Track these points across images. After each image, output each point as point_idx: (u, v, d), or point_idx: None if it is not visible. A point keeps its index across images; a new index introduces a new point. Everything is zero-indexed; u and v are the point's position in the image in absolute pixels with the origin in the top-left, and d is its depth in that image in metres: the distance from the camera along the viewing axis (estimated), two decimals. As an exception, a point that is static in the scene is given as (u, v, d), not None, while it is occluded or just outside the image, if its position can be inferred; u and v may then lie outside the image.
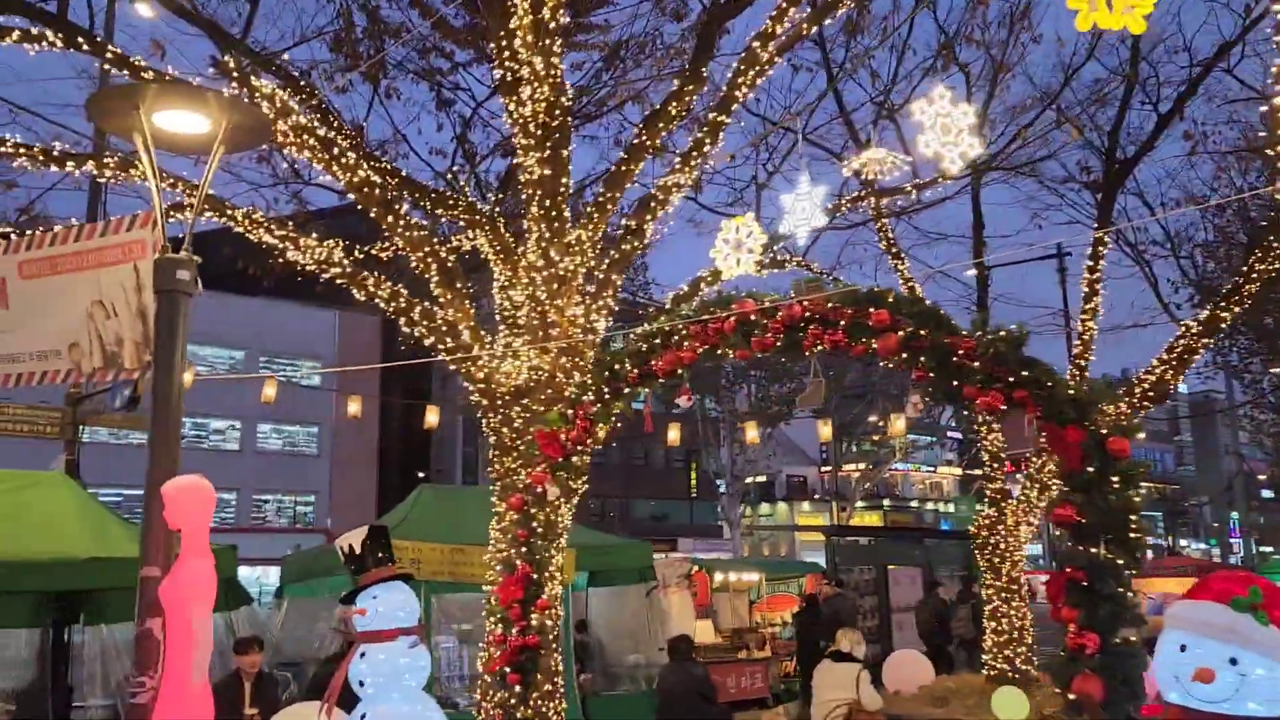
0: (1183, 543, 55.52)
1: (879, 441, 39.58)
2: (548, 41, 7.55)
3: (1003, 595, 11.57)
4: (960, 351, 4.60)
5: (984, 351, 4.79)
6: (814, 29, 8.55)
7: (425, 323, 7.92)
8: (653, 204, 8.01)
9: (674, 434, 11.89)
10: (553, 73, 7.60)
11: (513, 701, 6.57)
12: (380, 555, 7.34)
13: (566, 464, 6.64)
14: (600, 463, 43.34)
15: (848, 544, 18.34)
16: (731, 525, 38.46)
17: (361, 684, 7.08)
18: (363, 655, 6.96)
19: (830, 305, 5.15)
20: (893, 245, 12.78)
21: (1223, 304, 10.07)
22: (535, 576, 6.60)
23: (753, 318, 5.43)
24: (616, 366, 6.30)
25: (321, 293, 10.88)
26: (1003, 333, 4.93)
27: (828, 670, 9.69)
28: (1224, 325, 10.46)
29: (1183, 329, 10.60)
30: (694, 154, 7.90)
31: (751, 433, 17.48)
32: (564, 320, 7.96)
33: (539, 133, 7.60)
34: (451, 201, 8.47)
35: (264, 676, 8.59)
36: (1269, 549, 57.53)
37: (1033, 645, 11.70)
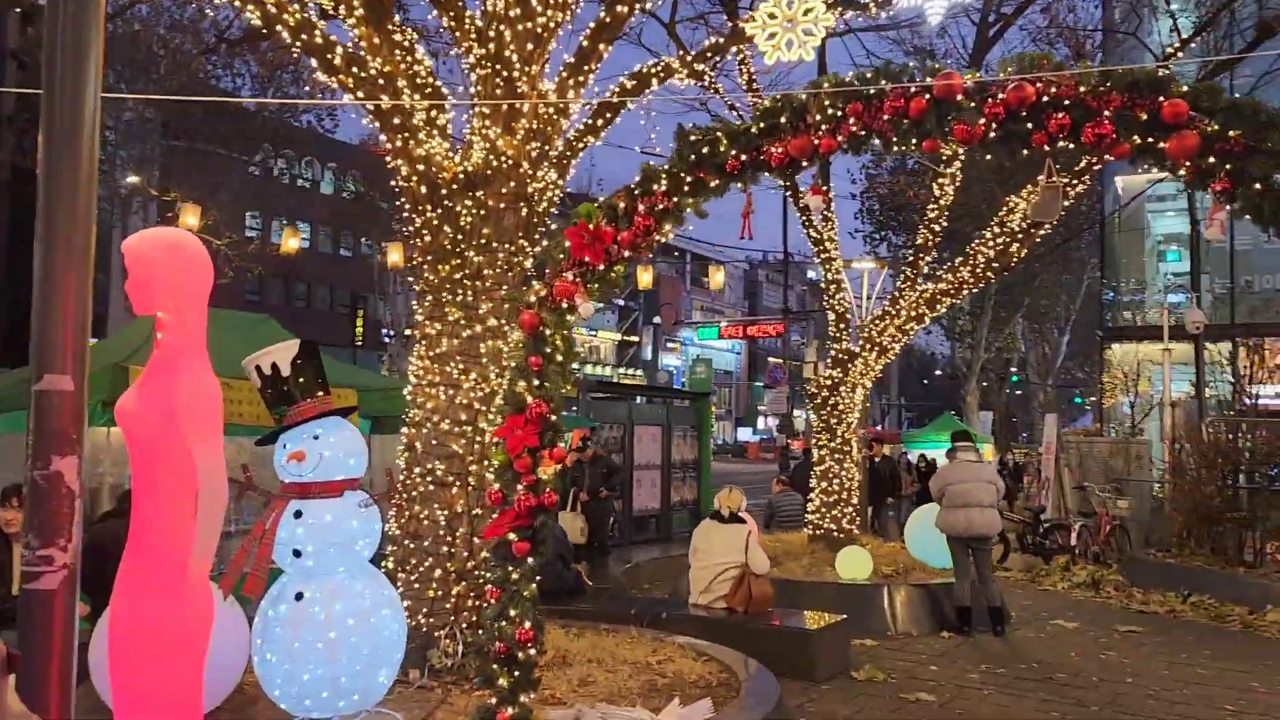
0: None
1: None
2: None
3: (835, 456, 11.35)
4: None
5: None
6: None
7: (353, 70, 5.71)
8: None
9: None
10: None
11: (516, 576, 5.01)
12: (305, 382, 5.36)
13: (605, 274, 5.02)
14: (255, 301, 39.06)
15: (600, 401, 17.63)
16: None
17: (298, 553, 5.28)
18: (298, 515, 5.09)
19: (1084, 89, 4.03)
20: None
21: None
22: (552, 418, 5.01)
23: (959, 99, 4.17)
24: (706, 150, 4.75)
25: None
26: None
27: (715, 531, 8.84)
28: None
29: None
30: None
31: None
32: (533, 95, 6.12)
33: None
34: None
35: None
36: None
37: (858, 506, 11.66)
